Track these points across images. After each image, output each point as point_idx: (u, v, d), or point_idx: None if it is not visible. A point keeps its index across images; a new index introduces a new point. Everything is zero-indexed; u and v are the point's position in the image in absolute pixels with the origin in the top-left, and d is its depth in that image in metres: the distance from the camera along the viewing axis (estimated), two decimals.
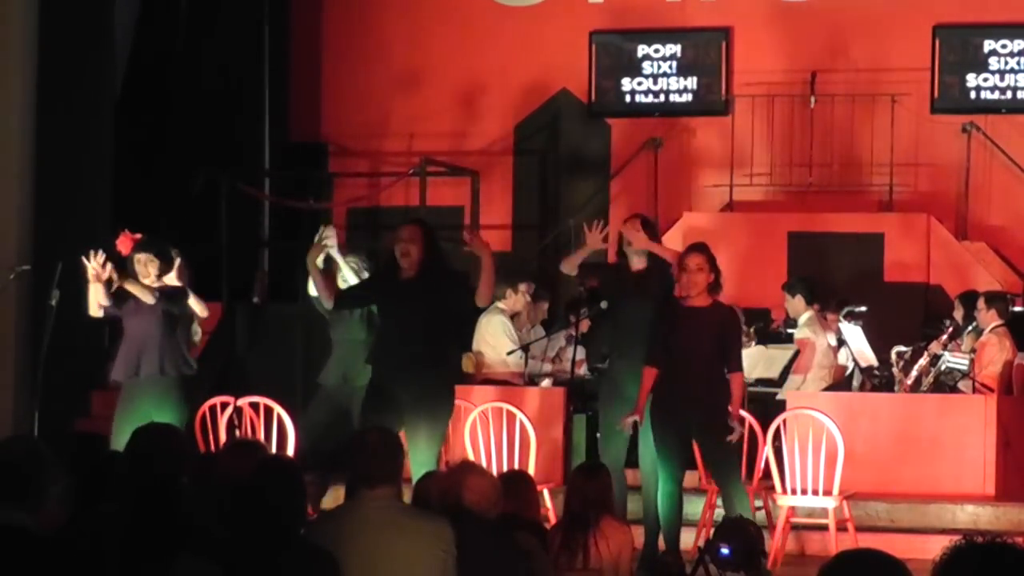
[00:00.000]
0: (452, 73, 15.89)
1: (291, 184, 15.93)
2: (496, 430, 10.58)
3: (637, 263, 9.93)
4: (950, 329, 12.57)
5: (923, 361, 12.38)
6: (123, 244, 10.25)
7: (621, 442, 9.98)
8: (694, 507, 10.42)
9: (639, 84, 15.56)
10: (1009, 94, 14.89)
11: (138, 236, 10.27)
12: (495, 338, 12.39)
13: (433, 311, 9.25)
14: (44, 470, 5.52)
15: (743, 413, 10.00)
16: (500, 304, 12.53)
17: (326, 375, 10.55)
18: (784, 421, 10.48)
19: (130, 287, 10.01)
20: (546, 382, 12.40)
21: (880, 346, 12.68)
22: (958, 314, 12.76)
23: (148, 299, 10.00)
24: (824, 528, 10.34)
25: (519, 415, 10.55)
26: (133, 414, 9.60)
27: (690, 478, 10.19)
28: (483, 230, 14.90)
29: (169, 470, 5.90)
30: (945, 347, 12.36)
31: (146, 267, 10.03)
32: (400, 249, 9.30)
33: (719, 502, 10.35)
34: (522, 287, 12.59)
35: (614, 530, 7.55)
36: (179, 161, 14.93)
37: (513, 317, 12.60)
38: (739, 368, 9.56)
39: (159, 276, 10.07)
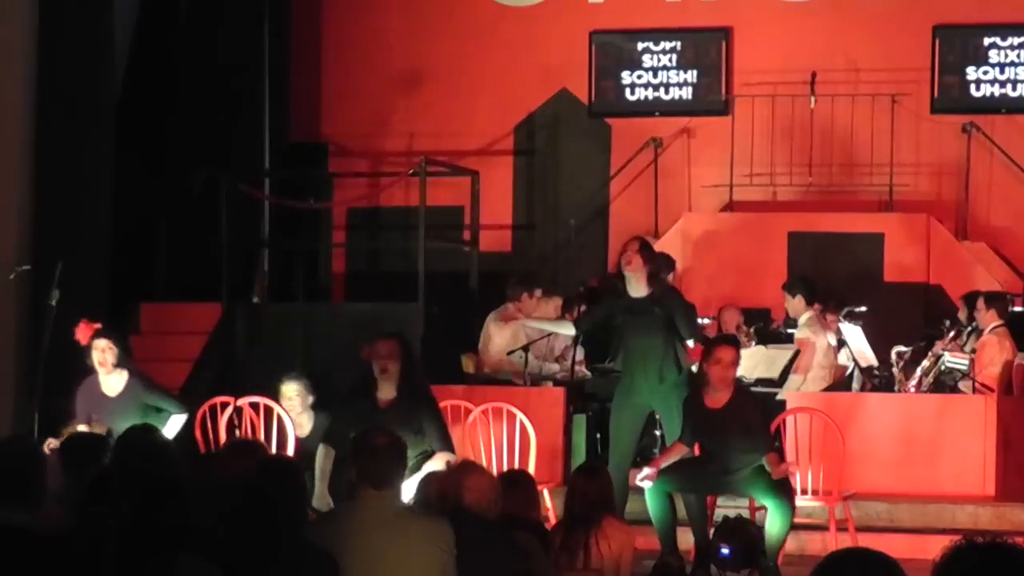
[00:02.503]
0: (452, 73, 15.89)
1: (291, 184, 15.93)
2: (496, 430, 10.58)
3: (636, 290, 9.97)
4: (954, 330, 12.57)
5: (927, 362, 12.37)
6: (82, 333, 10.19)
7: (629, 444, 10.05)
8: None
9: (639, 77, 15.55)
10: (1009, 94, 14.89)
11: (97, 325, 10.22)
12: (502, 338, 12.39)
13: (415, 431, 9.15)
14: (43, 470, 5.53)
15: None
16: (511, 305, 12.54)
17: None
18: (784, 421, 10.48)
19: None
20: (547, 382, 12.40)
21: (880, 346, 12.67)
22: (962, 315, 12.76)
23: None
24: (824, 528, 10.34)
25: (519, 415, 10.55)
26: None
27: None
28: (483, 230, 14.93)
29: (161, 470, 5.91)
30: (951, 346, 12.37)
31: (104, 354, 9.91)
32: (379, 366, 9.25)
33: (720, 501, 10.38)
34: (536, 293, 12.59)
35: (615, 530, 7.55)
36: (179, 161, 14.93)
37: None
38: (771, 449, 9.49)
39: (116, 365, 9.94)
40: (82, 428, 9.76)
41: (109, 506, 5.63)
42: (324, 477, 9.29)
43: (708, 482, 9.60)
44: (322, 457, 9.28)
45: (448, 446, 9.28)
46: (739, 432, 9.38)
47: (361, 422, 9.10)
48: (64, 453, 6.87)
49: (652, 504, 9.59)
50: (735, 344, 9.69)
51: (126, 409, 9.90)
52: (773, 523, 9.38)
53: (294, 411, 10.45)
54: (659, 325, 9.93)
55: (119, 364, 9.97)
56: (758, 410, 9.65)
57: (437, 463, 9.05)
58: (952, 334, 12.52)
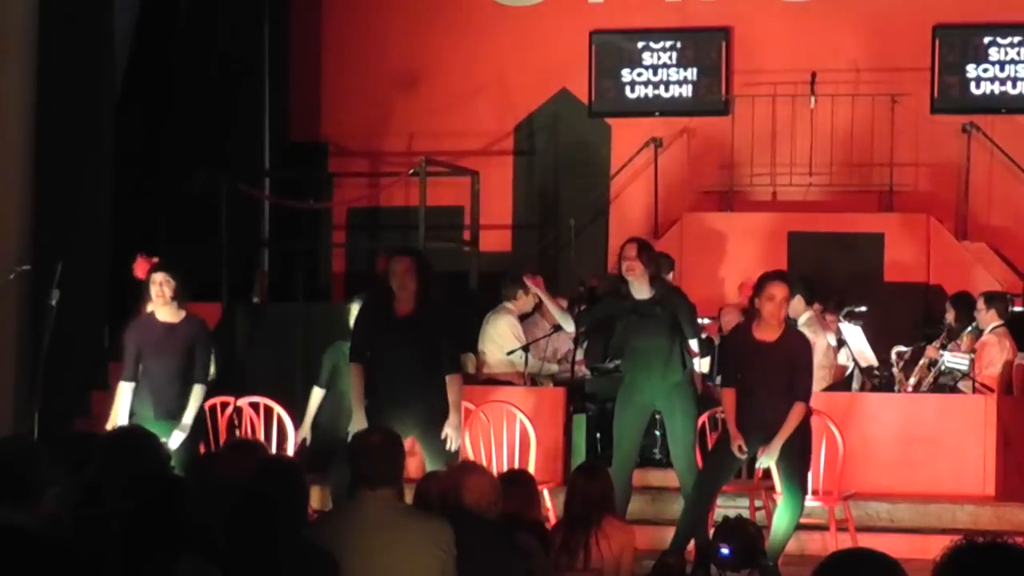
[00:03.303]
0: (452, 73, 15.89)
1: (291, 184, 15.93)
2: (496, 430, 10.58)
3: (639, 292, 9.97)
4: (944, 334, 12.57)
5: (921, 363, 12.38)
6: (140, 268, 10.12)
7: (633, 444, 10.05)
8: None
9: (639, 76, 15.55)
10: (1009, 94, 14.89)
11: (154, 260, 10.12)
12: (501, 337, 12.39)
13: (432, 344, 9.27)
14: (42, 470, 5.53)
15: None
16: (508, 304, 12.53)
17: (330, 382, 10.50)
18: None
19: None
20: (547, 382, 12.40)
21: (880, 346, 12.68)
22: (950, 316, 12.76)
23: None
24: (824, 528, 10.34)
25: (519, 415, 10.56)
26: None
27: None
28: (483, 230, 14.93)
29: (155, 468, 5.90)
30: (943, 347, 12.36)
31: (162, 288, 9.74)
32: (396, 283, 9.29)
33: (720, 501, 10.37)
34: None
35: (615, 530, 7.54)
36: (179, 161, 14.93)
37: (523, 317, 12.63)
38: (803, 398, 9.48)
39: (173, 298, 9.81)
40: (127, 391, 9.73)
41: (107, 506, 5.62)
42: (359, 401, 9.34)
43: (752, 444, 9.54)
44: (355, 378, 9.36)
45: (456, 367, 9.38)
46: (784, 367, 9.39)
47: (380, 332, 9.33)
48: (63, 453, 6.86)
49: (694, 500, 9.55)
50: (788, 280, 9.66)
51: (178, 344, 9.76)
52: (781, 517, 9.37)
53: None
54: (663, 326, 9.95)
55: (176, 298, 9.82)
56: (809, 355, 9.64)
57: (450, 430, 9.21)
58: (942, 337, 12.53)
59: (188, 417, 9.70)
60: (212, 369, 10.07)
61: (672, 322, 9.96)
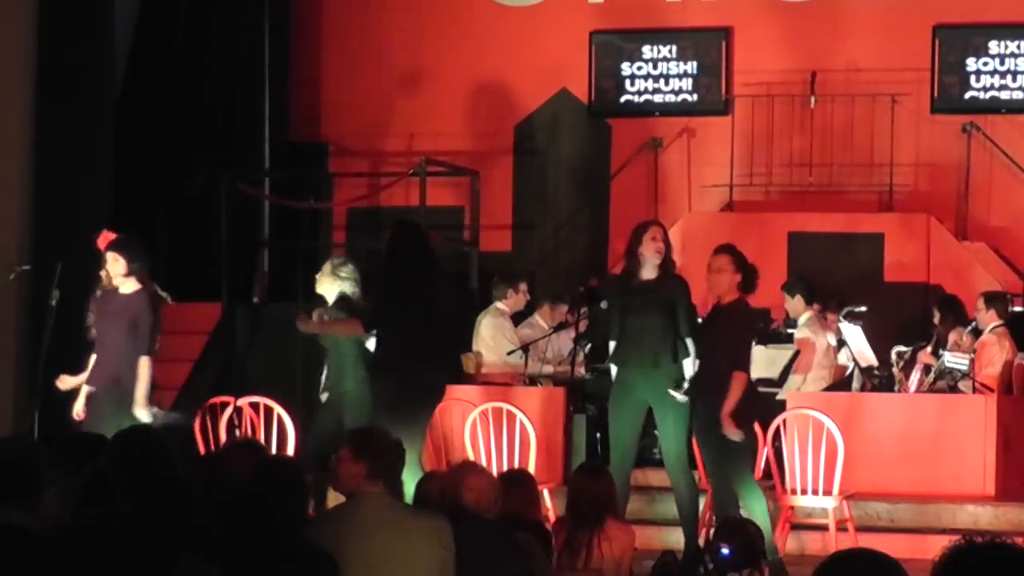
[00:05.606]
0: (452, 73, 15.88)
1: (291, 184, 15.92)
2: (496, 430, 10.58)
3: (648, 272, 9.90)
4: (934, 338, 12.59)
5: (917, 375, 12.41)
6: (102, 241, 10.24)
7: (631, 444, 9.99)
8: None
9: (639, 71, 15.55)
10: (1009, 94, 14.89)
11: (112, 236, 10.24)
12: (493, 339, 12.38)
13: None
14: (42, 470, 5.53)
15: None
16: (499, 304, 12.53)
17: (325, 385, 10.53)
18: (784, 421, 10.47)
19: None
20: (547, 382, 12.39)
21: (880, 346, 12.68)
22: (937, 319, 12.76)
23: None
24: (824, 528, 10.34)
25: (519, 415, 10.55)
26: (100, 424, 9.48)
27: None
28: (483, 230, 14.93)
29: (163, 469, 5.90)
30: (935, 353, 12.39)
31: (113, 264, 9.99)
32: None
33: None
34: (522, 287, 12.59)
35: (617, 531, 7.54)
36: (179, 161, 14.93)
37: (517, 317, 12.63)
38: (742, 368, 9.56)
39: (125, 275, 9.96)
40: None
41: (108, 506, 5.62)
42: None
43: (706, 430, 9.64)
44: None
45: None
46: (728, 334, 9.61)
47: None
48: (63, 453, 6.86)
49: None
50: (726, 251, 9.77)
51: (122, 312, 9.93)
52: (753, 509, 9.38)
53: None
54: (659, 308, 9.79)
55: (129, 274, 9.99)
56: (744, 327, 9.81)
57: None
58: (933, 342, 12.55)
59: (139, 392, 9.87)
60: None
61: (669, 307, 9.83)
